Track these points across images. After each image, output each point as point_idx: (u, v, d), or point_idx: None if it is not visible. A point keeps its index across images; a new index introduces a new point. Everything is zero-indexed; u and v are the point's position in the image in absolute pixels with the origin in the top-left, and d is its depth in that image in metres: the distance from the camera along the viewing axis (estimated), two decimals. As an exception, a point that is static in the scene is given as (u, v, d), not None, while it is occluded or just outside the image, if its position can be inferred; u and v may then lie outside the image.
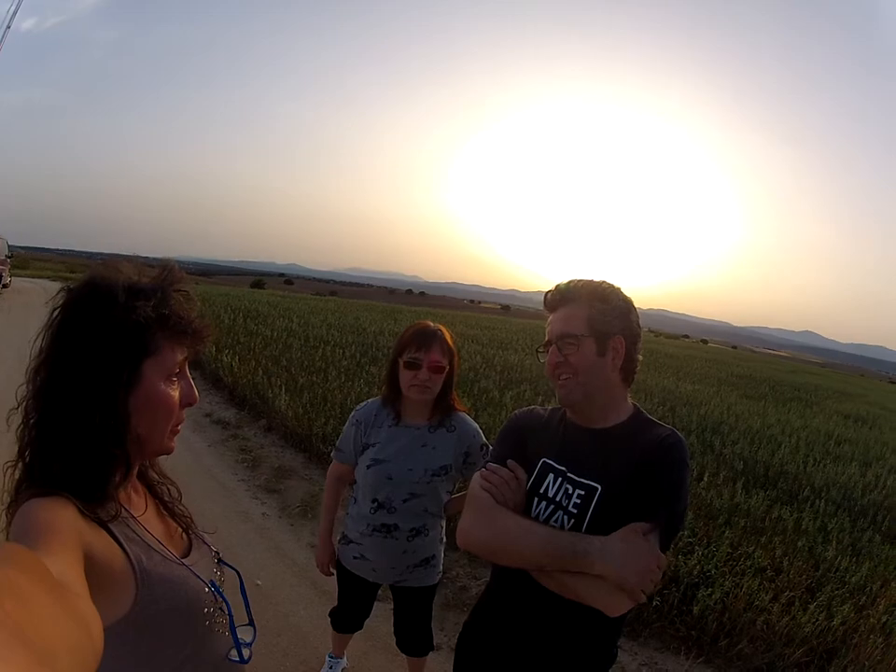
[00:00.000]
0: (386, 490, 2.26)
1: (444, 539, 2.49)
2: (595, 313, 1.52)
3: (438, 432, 2.31)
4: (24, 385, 0.93)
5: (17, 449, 0.91)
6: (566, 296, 1.57)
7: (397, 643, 2.70)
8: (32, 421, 0.91)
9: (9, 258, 22.17)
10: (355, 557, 2.40)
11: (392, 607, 2.67)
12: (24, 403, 0.92)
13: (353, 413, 2.41)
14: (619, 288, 1.58)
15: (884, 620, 3.83)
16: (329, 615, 2.77)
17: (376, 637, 3.27)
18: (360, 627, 2.77)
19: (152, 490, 1.15)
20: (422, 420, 2.31)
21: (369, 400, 2.44)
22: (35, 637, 0.46)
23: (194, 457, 5.80)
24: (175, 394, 1.01)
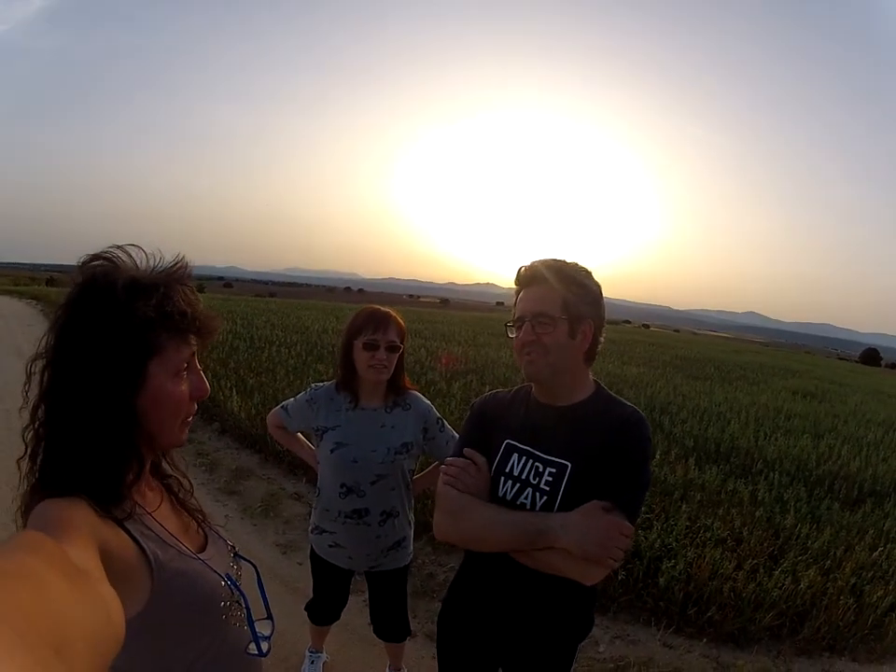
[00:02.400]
0: (353, 473, 2.28)
1: (413, 521, 2.53)
2: (571, 296, 1.54)
3: (394, 412, 2.35)
4: (26, 385, 0.91)
5: (26, 452, 0.90)
6: (542, 275, 1.58)
7: (374, 630, 2.71)
8: (39, 424, 0.89)
9: None
10: (330, 546, 2.41)
11: (365, 598, 2.69)
12: (31, 405, 0.90)
13: (311, 390, 2.42)
14: (591, 273, 1.62)
15: (853, 582, 3.98)
16: (306, 609, 2.76)
17: (352, 629, 3.27)
18: (337, 618, 2.77)
19: (165, 484, 1.14)
20: (378, 401, 2.34)
21: (326, 382, 2.45)
22: (48, 626, 0.46)
23: (152, 465, 5.68)
24: (184, 388, 0.99)
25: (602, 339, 1.64)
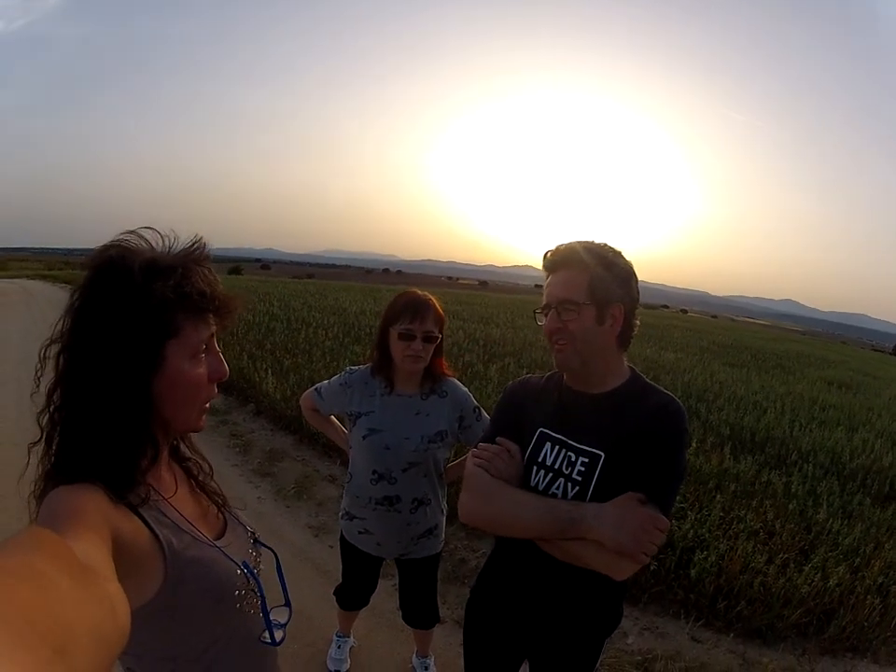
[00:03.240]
0: (385, 460, 2.25)
1: (445, 508, 2.49)
2: (597, 280, 1.48)
3: (430, 399, 2.30)
4: (39, 368, 0.91)
5: (41, 436, 0.89)
6: (567, 258, 1.53)
7: (403, 616, 2.71)
8: (54, 407, 0.88)
9: None
10: (360, 532, 2.40)
11: (394, 582, 2.68)
12: (47, 389, 0.89)
13: (345, 374, 2.38)
14: (620, 253, 1.55)
15: (880, 581, 3.90)
16: (335, 593, 2.77)
17: (380, 613, 3.28)
18: (366, 603, 2.77)
19: (185, 467, 1.14)
20: (414, 388, 2.30)
21: (361, 366, 2.41)
22: (50, 626, 0.45)
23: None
24: (203, 370, 0.98)
25: (637, 322, 1.59)
